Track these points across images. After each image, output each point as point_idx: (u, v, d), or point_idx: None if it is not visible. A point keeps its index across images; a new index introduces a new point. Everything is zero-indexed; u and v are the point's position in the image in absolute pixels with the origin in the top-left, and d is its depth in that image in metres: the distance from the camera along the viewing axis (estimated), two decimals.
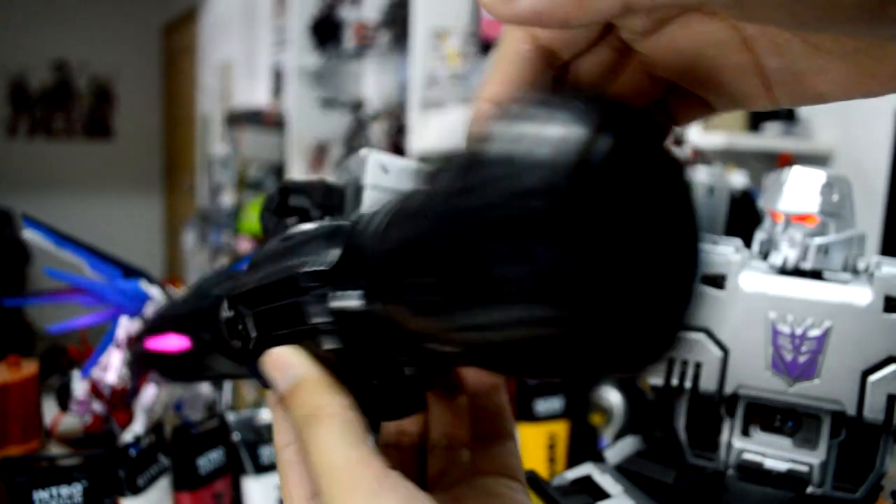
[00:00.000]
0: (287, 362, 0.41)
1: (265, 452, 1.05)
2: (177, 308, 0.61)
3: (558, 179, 0.26)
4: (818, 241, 0.68)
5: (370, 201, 0.74)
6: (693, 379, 0.68)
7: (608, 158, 0.27)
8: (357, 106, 3.99)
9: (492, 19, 2.14)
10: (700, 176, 1.17)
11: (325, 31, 3.88)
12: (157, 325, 0.61)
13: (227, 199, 5.02)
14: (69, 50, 7.69)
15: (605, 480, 0.73)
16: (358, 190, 0.75)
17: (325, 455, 0.38)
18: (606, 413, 1.22)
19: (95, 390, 1.09)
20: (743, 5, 0.30)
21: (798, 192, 0.70)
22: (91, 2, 7.62)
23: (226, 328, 0.45)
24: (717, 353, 0.68)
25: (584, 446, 1.24)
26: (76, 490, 0.84)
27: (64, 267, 1.12)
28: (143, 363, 0.54)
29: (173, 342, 0.54)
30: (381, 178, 0.73)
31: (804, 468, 0.64)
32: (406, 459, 0.49)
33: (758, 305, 0.68)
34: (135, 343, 0.86)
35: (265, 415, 1.09)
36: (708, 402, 0.69)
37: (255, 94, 5.38)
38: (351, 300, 0.38)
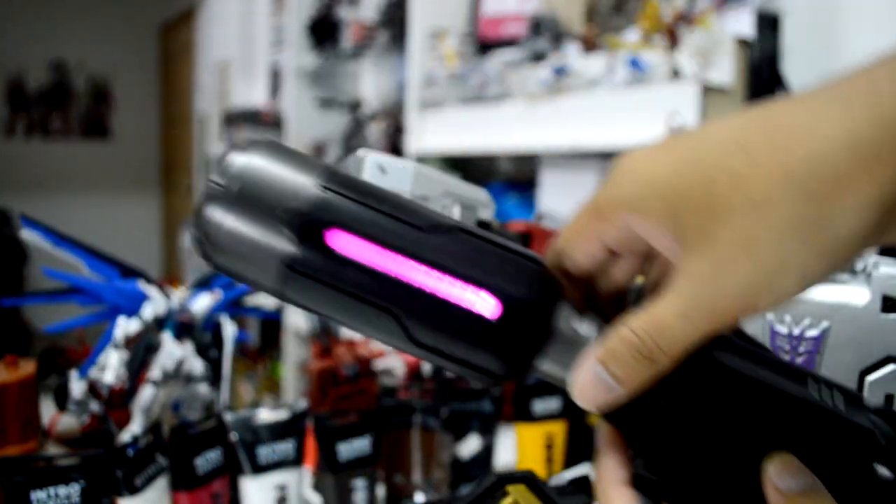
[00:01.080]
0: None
1: (263, 452, 1.05)
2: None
3: None
4: None
5: None
6: None
7: None
8: (355, 106, 3.99)
9: (490, 20, 2.13)
10: None
11: (323, 30, 3.88)
12: None
13: None
14: (67, 50, 7.68)
15: None
16: None
17: None
18: None
19: (93, 390, 1.09)
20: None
21: None
22: (88, 2, 7.62)
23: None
24: None
25: (581, 446, 1.24)
26: (74, 490, 0.84)
27: (62, 267, 1.12)
28: None
29: None
30: (379, 179, 0.73)
31: None
32: None
33: None
34: None
35: (263, 415, 1.09)
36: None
37: (253, 94, 5.38)
38: None
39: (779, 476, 0.44)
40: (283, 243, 0.44)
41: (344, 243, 0.44)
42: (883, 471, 0.44)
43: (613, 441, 0.50)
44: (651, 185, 0.45)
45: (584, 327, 0.48)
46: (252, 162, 0.46)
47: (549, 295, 0.47)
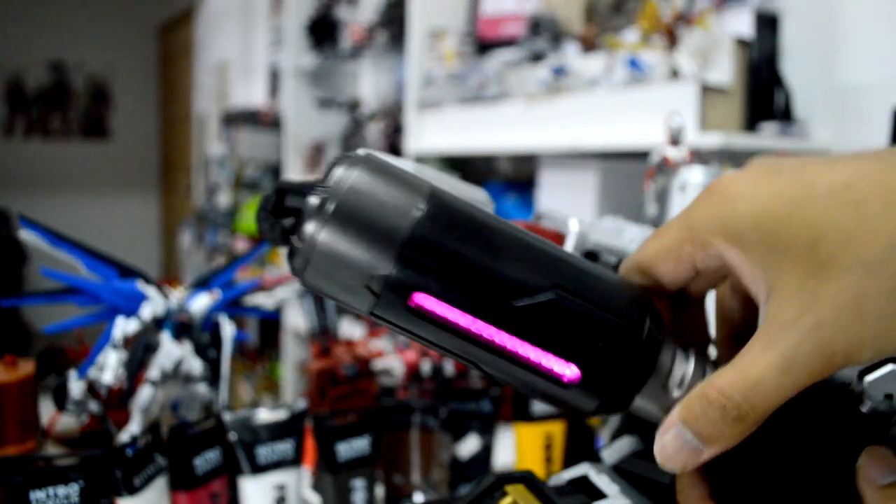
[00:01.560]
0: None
1: (262, 452, 1.05)
2: None
3: None
4: None
5: None
6: None
7: None
8: (354, 106, 3.99)
9: (489, 20, 2.13)
10: (697, 176, 1.17)
11: (322, 30, 3.88)
12: None
13: (224, 199, 5.02)
14: (66, 50, 7.69)
15: (602, 481, 0.73)
16: None
17: None
18: None
19: (92, 390, 1.09)
20: None
21: None
22: (87, 2, 7.62)
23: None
24: (712, 352, 0.68)
25: (580, 446, 1.24)
26: (73, 490, 0.84)
27: (60, 267, 1.12)
28: None
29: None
30: None
31: None
32: None
33: None
34: None
35: (262, 415, 1.09)
36: None
37: (252, 94, 5.38)
38: None
39: (876, 471, 0.44)
40: (371, 282, 0.44)
41: (428, 304, 0.45)
42: None
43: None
44: (751, 222, 0.44)
45: (678, 360, 0.48)
46: (358, 182, 0.45)
47: (647, 353, 0.47)
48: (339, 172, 0.45)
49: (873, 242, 0.41)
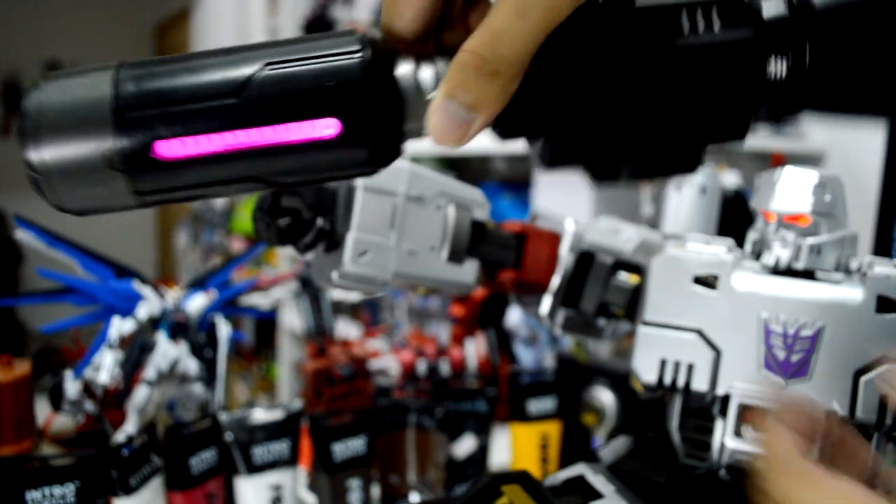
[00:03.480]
0: None
1: (258, 452, 1.05)
2: None
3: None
4: (810, 241, 0.68)
5: (362, 202, 0.74)
6: (686, 379, 0.69)
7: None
8: None
9: None
10: (693, 176, 1.17)
11: (318, 30, 3.88)
12: None
13: (220, 198, 5.01)
14: (62, 50, 7.67)
15: (598, 480, 0.73)
16: (350, 191, 0.75)
17: None
18: (599, 413, 1.22)
19: (88, 390, 1.09)
20: None
21: (790, 192, 0.70)
22: (84, 2, 7.61)
23: None
24: (710, 353, 0.68)
25: (576, 446, 1.24)
26: (69, 490, 0.84)
27: (56, 267, 1.12)
28: None
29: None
30: (374, 179, 0.73)
31: None
32: None
33: (750, 305, 0.68)
34: None
35: (258, 415, 1.09)
36: (700, 402, 0.69)
37: None
38: None
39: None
40: (118, 176, 0.44)
41: (172, 148, 0.44)
42: (772, 66, 0.45)
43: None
44: None
45: (424, 68, 0.47)
46: (46, 93, 0.46)
47: (381, 75, 0.45)
48: (28, 97, 0.46)
49: None
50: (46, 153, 0.44)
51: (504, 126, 0.47)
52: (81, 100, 0.44)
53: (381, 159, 0.46)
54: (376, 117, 0.44)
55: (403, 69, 0.46)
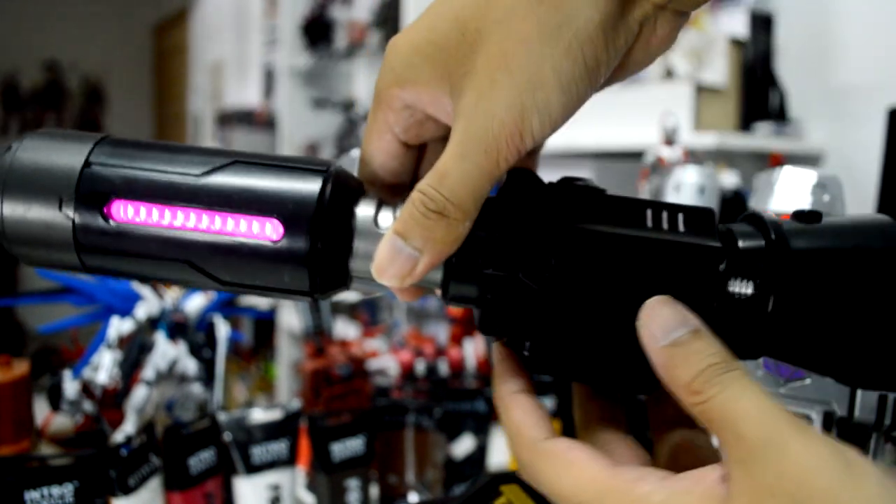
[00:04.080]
0: (682, 312, 0.42)
1: (256, 452, 1.05)
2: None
3: None
4: None
5: None
6: None
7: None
8: (348, 106, 3.99)
9: None
10: (691, 176, 1.17)
11: (317, 30, 3.88)
12: None
13: None
14: (60, 50, 7.67)
15: None
16: None
17: (755, 403, 0.39)
18: None
19: (87, 390, 1.09)
20: None
21: (789, 191, 0.70)
22: (82, 2, 7.61)
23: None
24: None
25: None
26: (67, 490, 0.84)
27: None
28: None
29: None
30: None
31: None
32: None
33: None
34: None
35: (256, 415, 1.09)
36: None
37: (247, 94, 5.38)
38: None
39: (658, 328, 0.42)
40: (67, 223, 0.46)
41: (123, 211, 0.46)
42: (736, 286, 0.44)
43: (504, 354, 0.49)
44: (413, 52, 0.45)
45: (384, 210, 0.47)
46: (20, 152, 0.47)
47: (337, 199, 0.46)
48: (7, 151, 0.47)
49: (503, 1, 0.43)
50: (7, 208, 0.46)
51: (447, 293, 0.47)
52: (56, 156, 0.47)
53: (320, 285, 0.47)
54: (317, 239, 0.45)
55: (364, 208, 0.47)
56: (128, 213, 0.45)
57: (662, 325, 0.42)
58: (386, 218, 0.47)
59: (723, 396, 0.40)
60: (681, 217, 0.45)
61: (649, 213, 0.45)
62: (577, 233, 0.44)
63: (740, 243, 0.45)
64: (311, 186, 0.45)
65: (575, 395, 0.51)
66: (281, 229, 0.45)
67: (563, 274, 0.44)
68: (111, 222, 0.45)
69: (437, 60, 0.44)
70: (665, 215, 0.45)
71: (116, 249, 0.46)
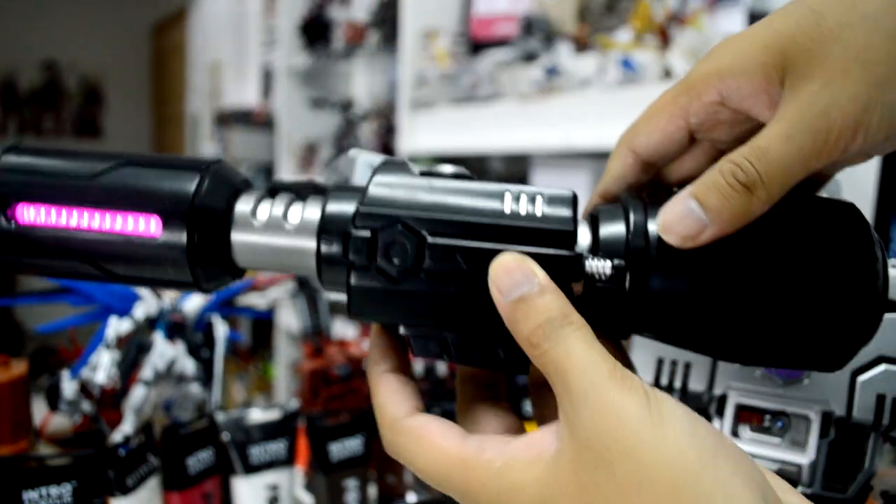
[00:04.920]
0: (529, 269, 0.43)
1: (255, 452, 1.05)
2: None
3: None
4: None
5: None
6: (683, 379, 0.68)
7: None
8: (346, 106, 3.98)
9: (481, 20, 2.12)
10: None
11: (315, 31, 3.87)
12: None
13: None
14: (58, 50, 7.66)
15: None
16: None
17: (582, 356, 0.41)
18: None
19: (85, 390, 1.09)
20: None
21: None
22: (80, 2, 7.60)
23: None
24: None
25: None
26: (65, 490, 0.84)
27: None
28: None
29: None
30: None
31: (794, 468, 0.64)
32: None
33: None
34: None
35: (254, 415, 1.09)
36: (697, 403, 0.69)
37: (245, 94, 5.37)
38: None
39: (495, 285, 0.43)
40: None
41: (26, 213, 0.49)
42: (594, 267, 0.45)
43: (379, 333, 0.50)
44: (748, 41, 0.45)
45: (263, 203, 0.50)
46: None
47: (213, 194, 0.49)
48: None
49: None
50: None
51: (322, 278, 0.50)
52: None
53: (203, 276, 0.50)
54: (193, 232, 0.48)
55: (244, 202, 0.50)
56: (30, 216, 0.49)
57: (508, 281, 0.43)
58: (264, 211, 0.49)
59: (556, 350, 0.41)
60: (539, 200, 0.46)
61: (508, 197, 0.46)
62: (432, 222, 0.45)
63: (602, 227, 0.47)
64: (187, 184, 0.48)
65: (457, 371, 0.52)
66: (161, 225, 0.47)
67: (420, 263, 0.45)
68: (14, 224, 0.49)
69: (775, 47, 0.44)
70: (524, 200, 0.46)
71: (20, 249, 0.49)
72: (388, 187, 0.47)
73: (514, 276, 0.43)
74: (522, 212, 0.45)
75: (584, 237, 0.47)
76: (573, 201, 0.47)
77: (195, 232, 0.47)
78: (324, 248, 0.47)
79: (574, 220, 0.46)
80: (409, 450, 0.46)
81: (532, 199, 0.46)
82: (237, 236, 0.49)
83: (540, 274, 0.43)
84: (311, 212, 0.49)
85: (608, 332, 0.47)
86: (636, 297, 0.45)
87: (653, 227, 0.45)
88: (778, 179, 0.42)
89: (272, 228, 0.49)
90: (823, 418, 0.64)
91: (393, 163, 0.49)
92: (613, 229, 0.46)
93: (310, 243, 0.48)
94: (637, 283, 0.45)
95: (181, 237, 0.47)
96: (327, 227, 0.47)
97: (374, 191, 0.46)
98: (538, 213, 0.45)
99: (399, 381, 0.48)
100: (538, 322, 0.42)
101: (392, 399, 0.48)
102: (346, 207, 0.47)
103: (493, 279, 0.43)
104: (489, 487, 0.42)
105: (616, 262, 0.45)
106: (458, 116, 2.62)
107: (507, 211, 0.45)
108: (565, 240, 0.45)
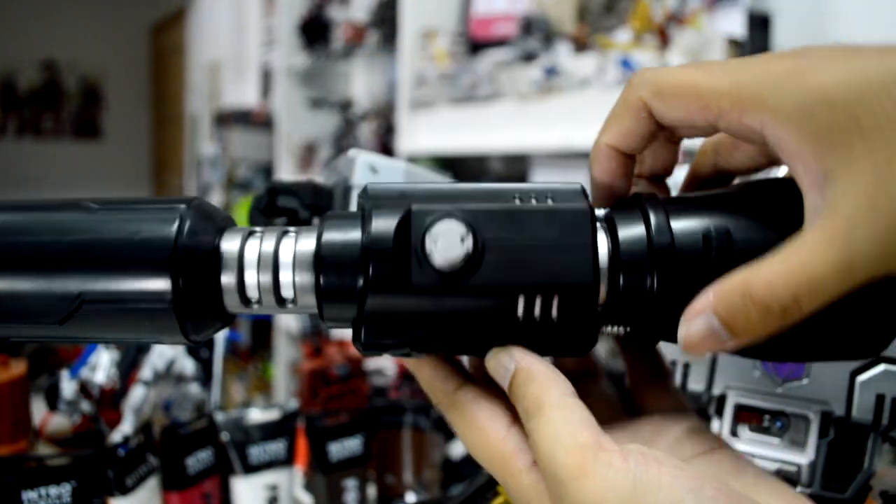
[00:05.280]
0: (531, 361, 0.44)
1: (254, 452, 1.05)
2: None
3: None
4: None
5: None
6: (682, 379, 0.68)
7: None
8: (346, 106, 3.98)
9: (480, 20, 2.12)
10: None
11: (314, 30, 3.87)
12: None
13: (216, 198, 5.01)
14: (58, 50, 7.67)
15: None
16: (346, 190, 0.75)
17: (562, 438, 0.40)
18: None
19: (84, 390, 1.09)
20: None
21: None
22: (79, 2, 7.60)
23: None
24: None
25: None
26: (65, 490, 0.84)
27: None
28: None
29: None
30: (370, 179, 0.73)
31: (793, 468, 0.64)
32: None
33: None
34: None
35: (254, 415, 1.09)
36: (697, 403, 0.69)
37: (244, 94, 5.37)
38: None
39: (496, 371, 0.44)
40: None
41: None
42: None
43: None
44: (822, 96, 0.37)
45: (250, 241, 0.46)
46: None
47: (188, 236, 0.44)
48: None
49: None
50: None
51: (322, 314, 0.47)
52: None
53: (189, 322, 0.45)
54: (178, 274, 0.43)
55: (230, 241, 0.46)
56: None
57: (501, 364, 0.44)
58: (252, 249, 0.46)
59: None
60: (549, 199, 0.45)
61: (517, 196, 0.45)
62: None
63: (620, 230, 0.45)
64: (168, 225, 0.44)
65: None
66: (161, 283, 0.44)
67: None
68: None
69: (844, 127, 0.36)
70: (533, 198, 0.45)
71: None
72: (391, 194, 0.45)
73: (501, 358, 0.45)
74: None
75: (602, 245, 0.45)
76: (583, 193, 0.46)
77: (180, 277, 0.43)
78: (324, 280, 0.44)
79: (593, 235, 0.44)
80: (459, 426, 0.47)
81: (542, 198, 0.45)
82: (228, 279, 0.45)
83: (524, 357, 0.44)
84: (304, 244, 0.45)
85: (636, 340, 0.46)
86: (665, 300, 0.43)
87: (676, 225, 0.44)
88: (815, 301, 0.37)
89: (265, 268, 0.45)
90: (823, 418, 0.64)
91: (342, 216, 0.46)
92: (633, 231, 0.45)
93: (307, 279, 0.45)
94: (665, 284, 0.43)
95: (165, 285, 0.43)
96: (327, 258, 0.44)
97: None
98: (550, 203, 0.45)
99: (437, 359, 0.49)
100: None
101: (439, 374, 0.49)
102: (345, 235, 0.44)
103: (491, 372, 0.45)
104: (530, 491, 0.42)
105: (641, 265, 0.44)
106: (457, 116, 2.62)
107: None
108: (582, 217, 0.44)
